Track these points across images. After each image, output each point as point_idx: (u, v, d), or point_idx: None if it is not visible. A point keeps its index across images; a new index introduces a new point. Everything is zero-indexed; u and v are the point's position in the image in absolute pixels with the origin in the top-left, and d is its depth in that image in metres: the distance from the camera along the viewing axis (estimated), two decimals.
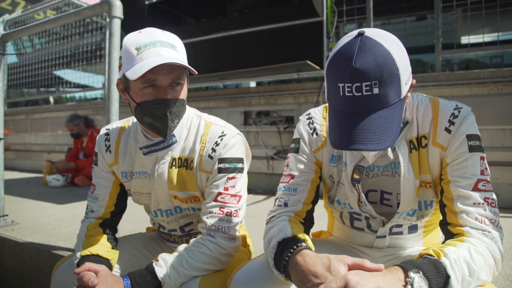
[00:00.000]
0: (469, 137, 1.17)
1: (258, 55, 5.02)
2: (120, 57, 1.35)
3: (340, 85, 1.03)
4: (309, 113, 1.45)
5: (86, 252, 1.35)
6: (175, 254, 1.31)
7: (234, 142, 1.44)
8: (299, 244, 1.11)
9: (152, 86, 1.30)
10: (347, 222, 1.51)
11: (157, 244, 1.72)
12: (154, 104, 1.30)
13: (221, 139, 1.42)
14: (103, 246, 1.40)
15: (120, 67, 1.36)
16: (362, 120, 1.03)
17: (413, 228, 1.41)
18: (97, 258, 1.34)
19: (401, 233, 1.42)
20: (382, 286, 0.90)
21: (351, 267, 0.98)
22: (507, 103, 3.78)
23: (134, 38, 1.33)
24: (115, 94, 2.17)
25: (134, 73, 1.24)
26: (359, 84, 1.01)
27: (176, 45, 1.33)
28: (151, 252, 1.67)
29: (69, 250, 2.44)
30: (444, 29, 4.46)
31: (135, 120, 1.55)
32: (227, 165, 1.41)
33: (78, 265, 1.32)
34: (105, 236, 1.47)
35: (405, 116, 1.24)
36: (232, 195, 1.40)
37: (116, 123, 1.60)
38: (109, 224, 1.55)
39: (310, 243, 1.16)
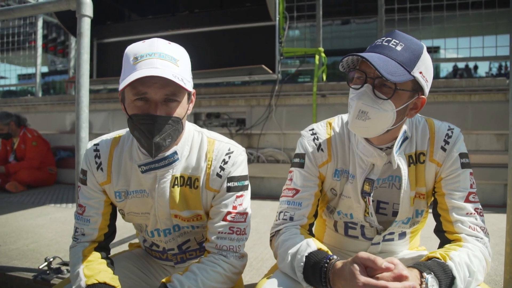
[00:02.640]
0: (461, 155, 1.36)
1: (208, 57, 4.97)
2: (122, 66, 1.28)
3: (378, 39, 1.27)
4: (313, 129, 1.49)
5: (93, 280, 1.24)
6: (188, 274, 1.27)
7: (242, 160, 1.43)
8: (331, 257, 1.16)
9: (144, 99, 1.23)
10: (341, 230, 1.59)
11: (147, 262, 1.64)
12: (141, 119, 1.23)
13: (229, 157, 1.39)
14: (107, 273, 1.30)
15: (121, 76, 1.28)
16: (380, 53, 1.21)
17: (402, 235, 1.54)
18: (104, 286, 1.25)
19: (392, 239, 1.53)
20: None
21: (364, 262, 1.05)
22: (443, 110, 4.21)
23: (136, 47, 1.26)
24: (85, 100, 2.01)
25: (123, 83, 1.18)
26: (390, 38, 1.23)
27: (178, 58, 1.26)
28: (142, 271, 1.59)
29: (31, 270, 2.23)
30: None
31: (128, 134, 1.47)
32: (236, 184, 1.39)
33: None
34: (104, 261, 1.37)
35: (401, 129, 1.35)
36: (240, 213, 1.39)
37: (104, 137, 1.49)
38: (104, 247, 1.45)
39: (330, 252, 1.22)
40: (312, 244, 1.22)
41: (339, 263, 1.11)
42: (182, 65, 1.28)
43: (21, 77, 8.04)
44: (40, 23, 6.72)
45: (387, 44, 1.22)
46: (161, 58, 1.23)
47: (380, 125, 1.25)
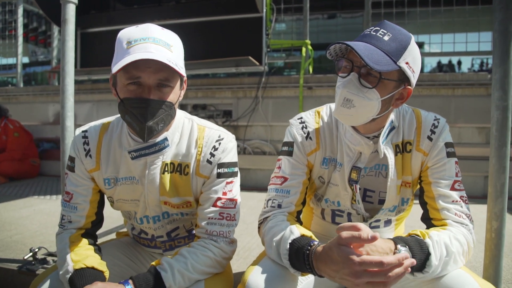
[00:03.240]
0: (447, 144, 1.39)
1: (195, 48, 4.92)
2: (115, 50, 1.27)
3: (366, 29, 1.29)
4: (301, 117, 1.51)
5: (81, 265, 1.23)
6: (179, 257, 1.27)
7: (232, 147, 1.43)
8: (313, 243, 1.17)
9: (137, 83, 1.23)
10: (328, 218, 1.62)
11: (135, 250, 1.64)
12: (134, 103, 1.23)
13: (219, 144, 1.40)
14: (95, 258, 1.30)
15: (113, 60, 1.27)
16: (367, 42, 1.23)
17: (388, 222, 1.58)
18: (92, 271, 1.24)
19: (378, 227, 1.57)
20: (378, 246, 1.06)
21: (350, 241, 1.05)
22: (426, 103, 4.30)
23: (129, 32, 1.25)
24: (70, 88, 1.98)
25: (116, 67, 1.17)
26: (378, 28, 1.26)
27: (171, 44, 1.26)
28: (130, 258, 1.59)
29: (16, 261, 2.20)
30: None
31: (117, 120, 1.46)
32: (226, 170, 1.40)
33: (72, 280, 1.21)
34: (91, 247, 1.36)
35: (388, 118, 1.38)
36: (230, 199, 1.40)
37: (93, 124, 1.47)
38: (91, 234, 1.45)
39: (314, 237, 1.24)
40: (295, 231, 1.24)
41: (319, 249, 1.12)
42: (176, 50, 1.28)
43: (1, 67, 7.81)
44: (20, 11, 6.55)
45: (375, 33, 1.24)
46: (155, 43, 1.22)
47: (365, 114, 1.27)
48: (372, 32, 1.25)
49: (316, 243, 1.17)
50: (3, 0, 6.79)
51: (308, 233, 1.25)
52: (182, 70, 1.26)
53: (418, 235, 1.19)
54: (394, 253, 1.07)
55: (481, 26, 4.91)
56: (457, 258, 1.20)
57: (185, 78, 1.35)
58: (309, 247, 1.16)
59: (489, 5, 4.91)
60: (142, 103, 1.22)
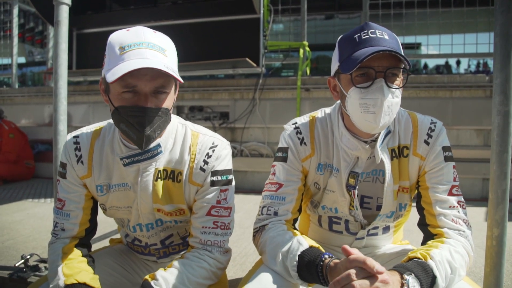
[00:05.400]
0: (444, 148, 1.36)
1: (192, 49, 4.89)
2: (105, 55, 1.22)
3: (356, 35, 1.24)
4: (296, 122, 1.47)
5: (72, 280, 1.19)
6: (173, 271, 1.23)
7: (226, 154, 1.40)
8: (324, 257, 1.14)
9: (132, 91, 1.19)
10: (325, 225, 1.58)
11: (129, 258, 1.60)
12: (131, 111, 1.19)
13: (213, 151, 1.36)
14: (88, 273, 1.25)
15: (103, 65, 1.23)
16: (380, 45, 1.20)
17: (386, 229, 1.54)
18: (84, 287, 1.20)
19: (376, 234, 1.54)
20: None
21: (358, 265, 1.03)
22: (425, 106, 4.27)
23: (120, 36, 1.21)
24: (63, 92, 1.93)
25: (112, 75, 1.12)
26: (373, 30, 1.23)
27: (165, 48, 1.22)
28: (124, 267, 1.55)
29: (7, 268, 2.15)
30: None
31: (109, 126, 1.42)
32: (220, 178, 1.36)
33: None
34: (84, 259, 1.32)
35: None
36: (225, 208, 1.36)
37: (84, 129, 1.43)
38: (85, 244, 1.41)
39: (322, 248, 1.21)
40: (303, 242, 1.21)
41: (332, 264, 1.09)
42: (170, 54, 1.24)
43: None
44: (15, 11, 6.50)
45: (374, 36, 1.22)
46: (150, 48, 1.18)
47: (394, 115, 1.26)
48: (371, 35, 1.22)
49: (327, 256, 1.14)
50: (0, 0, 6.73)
51: (315, 244, 1.23)
52: (178, 75, 1.22)
53: (419, 258, 1.14)
54: (402, 284, 1.02)
55: (479, 27, 4.89)
56: (461, 272, 1.17)
57: (181, 82, 1.31)
58: (321, 262, 1.13)
59: (487, 7, 4.90)
60: (139, 111, 1.18)
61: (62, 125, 1.98)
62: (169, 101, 1.26)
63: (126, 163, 1.32)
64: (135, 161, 1.32)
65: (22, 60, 12.86)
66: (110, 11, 5.34)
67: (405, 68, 1.23)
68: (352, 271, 0.99)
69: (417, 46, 6.95)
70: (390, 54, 1.18)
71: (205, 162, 1.35)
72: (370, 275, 0.99)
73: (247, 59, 4.34)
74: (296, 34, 6.35)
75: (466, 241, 1.25)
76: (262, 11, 4.55)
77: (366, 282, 0.97)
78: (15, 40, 6.46)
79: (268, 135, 4.91)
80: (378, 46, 1.19)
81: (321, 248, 1.21)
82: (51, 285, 1.22)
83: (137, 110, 1.18)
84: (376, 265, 0.98)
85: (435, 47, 5.14)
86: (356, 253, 1.03)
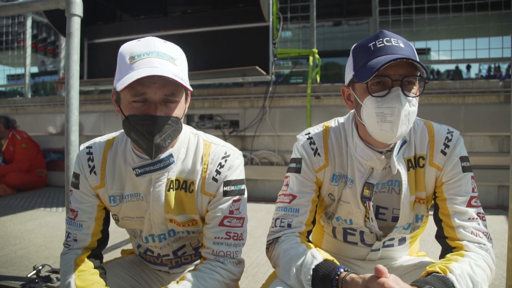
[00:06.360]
0: (462, 158, 1.32)
1: (201, 58, 4.92)
2: (116, 66, 1.23)
3: (371, 44, 1.22)
4: (309, 133, 1.45)
5: None
6: (186, 283, 1.22)
7: (238, 164, 1.38)
8: (339, 271, 1.12)
9: (142, 100, 1.19)
10: (339, 236, 1.55)
11: (140, 269, 1.59)
12: (141, 120, 1.19)
13: (225, 161, 1.35)
14: (99, 285, 1.25)
15: (115, 76, 1.23)
16: (396, 53, 1.18)
17: (402, 240, 1.51)
18: None
19: (392, 245, 1.50)
20: None
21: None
22: (437, 112, 4.21)
23: (131, 46, 1.21)
24: (75, 102, 1.95)
25: (121, 84, 1.13)
26: (388, 38, 1.21)
27: (175, 57, 1.23)
28: (136, 279, 1.54)
29: (19, 278, 2.16)
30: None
31: (121, 136, 1.41)
32: (232, 188, 1.35)
33: None
34: (96, 271, 1.32)
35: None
36: (237, 218, 1.34)
37: (97, 140, 1.44)
38: (97, 255, 1.40)
39: (337, 261, 1.19)
40: (318, 256, 1.18)
41: (348, 279, 1.07)
42: (180, 63, 1.24)
43: (10, 77, 7.90)
44: (29, 23, 6.63)
45: (390, 44, 1.20)
46: (159, 57, 1.19)
47: (411, 124, 1.24)
48: (386, 43, 1.20)
49: (343, 270, 1.11)
50: (14, 13, 6.87)
51: (330, 257, 1.20)
52: (187, 83, 1.22)
53: (438, 272, 1.10)
54: None
55: (491, 31, 4.83)
56: (483, 286, 1.12)
57: (190, 91, 1.31)
58: (337, 276, 1.10)
59: (499, 11, 4.84)
60: (149, 120, 1.18)
61: (74, 136, 1.99)
62: (179, 110, 1.25)
63: (139, 173, 1.31)
64: (147, 171, 1.31)
65: (34, 69, 13.10)
66: (120, 21, 5.42)
67: (422, 76, 1.20)
68: None
69: (427, 51, 6.89)
70: (407, 62, 1.16)
71: (218, 172, 1.34)
72: None
73: (257, 67, 4.34)
74: (305, 41, 6.34)
75: (487, 255, 1.20)
76: (271, 19, 4.55)
77: None
78: (28, 51, 6.58)
79: (279, 143, 4.88)
80: (394, 54, 1.17)
81: (335, 261, 1.18)
82: None
83: (146, 119, 1.18)
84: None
85: (446, 52, 5.09)
86: (387, 277, 0.98)
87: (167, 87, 1.18)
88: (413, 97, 1.20)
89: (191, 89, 1.22)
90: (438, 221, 1.33)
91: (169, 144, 1.26)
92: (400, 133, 1.19)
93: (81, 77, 4.47)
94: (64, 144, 1.99)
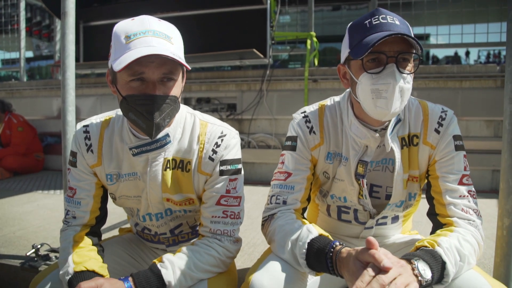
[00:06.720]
0: (455, 137, 1.34)
1: (199, 41, 4.87)
2: (110, 46, 1.22)
3: (366, 21, 1.23)
4: (305, 111, 1.46)
5: (81, 267, 1.21)
6: (181, 255, 1.24)
7: (235, 143, 1.39)
8: (335, 244, 1.13)
9: (140, 79, 1.19)
10: (334, 215, 1.58)
11: (137, 247, 1.61)
12: (140, 100, 1.19)
13: (222, 140, 1.36)
14: (97, 261, 1.27)
15: (109, 56, 1.23)
16: (391, 30, 1.18)
17: (395, 218, 1.54)
18: (93, 275, 1.21)
19: (385, 223, 1.53)
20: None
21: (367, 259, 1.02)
22: (433, 96, 4.22)
23: (126, 25, 1.21)
24: (71, 83, 1.95)
25: (119, 64, 1.12)
26: (384, 15, 1.21)
27: (171, 36, 1.22)
28: (133, 257, 1.56)
29: (18, 257, 2.18)
30: None
31: (118, 115, 1.42)
32: (229, 167, 1.36)
33: (71, 282, 1.19)
34: (94, 248, 1.34)
35: None
36: (234, 197, 1.36)
37: (93, 119, 1.44)
38: (96, 232, 1.42)
39: (331, 237, 1.21)
40: (313, 230, 1.20)
41: (344, 252, 1.08)
42: (176, 42, 1.24)
43: (4, 61, 7.81)
44: (22, 5, 6.51)
45: (385, 21, 1.20)
46: (156, 36, 1.18)
47: (405, 102, 1.25)
48: (382, 20, 1.21)
49: (338, 243, 1.14)
50: None
51: (325, 232, 1.22)
52: (184, 61, 1.22)
53: (427, 246, 1.13)
54: (413, 269, 1.01)
55: (490, 16, 4.80)
56: (470, 260, 1.15)
57: (188, 69, 1.31)
58: (332, 249, 1.12)
59: None
60: (148, 99, 1.18)
61: (71, 116, 1.99)
62: (177, 89, 1.25)
63: (135, 153, 1.32)
64: (144, 151, 1.32)
65: (29, 54, 12.95)
66: (116, 3, 5.32)
67: (417, 54, 1.21)
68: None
69: (426, 37, 6.86)
70: (402, 39, 1.17)
71: (214, 152, 1.35)
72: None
73: (254, 50, 4.31)
74: (303, 25, 6.29)
75: (475, 230, 1.23)
76: (269, 2, 4.50)
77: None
78: (23, 34, 6.49)
79: (276, 127, 4.89)
80: (389, 31, 1.17)
81: (330, 237, 1.20)
82: (61, 272, 1.24)
83: (145, 98, 1.18)
84: (383, 259, 0.96)
85: (444, 37, 5.08)
86: (378, 249, 1.01)
87: (164, 66, 1.18)
88: (407, 74, 1.20)
89: (189, 67, 1.22)
90: (430, 198, 1.36)
91: (168, 123, 1.26)
92: (394, 109, 1.21)
93: (77, 60, 4.42)
94: (61, 125, 1.99)
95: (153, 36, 1.18)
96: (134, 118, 1.22)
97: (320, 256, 1.13)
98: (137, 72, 1.17)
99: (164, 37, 1.20)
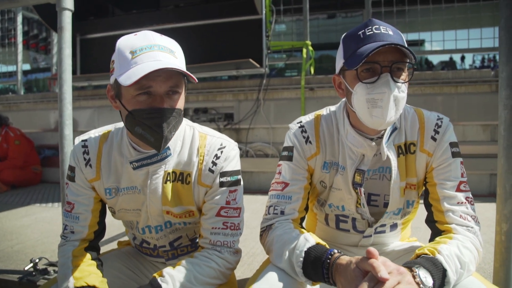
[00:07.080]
0: (451, 144, 1.35)
1: (195, 52, 4.89)
2: (112, 61, 1.22)
3: (360, 32, 1.23)
4: (301, 121, 1.47)
5: (82, 283, 1.21)
6: (181, 268, 1.24)
7: (234, 155, 1.40)
8: (332, 252, 1.13)
9: (146, 93, 1.19)
10: (332, 224, 1.58)
11: (136, 261, 1.60)
12: (148, 114, 1.19)
13: (221, 152, 1.37)
14: (97, 276, 1.27)
15: (111, 71, 1.23)
16: (384, 40, 1.20)
17: (393, 226, 1.54)
18: None
19: (384, 231, 1.53)
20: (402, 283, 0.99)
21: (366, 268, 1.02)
22: (429, 102, 4.25)
23: (129, 40, 1.21)
24: (68, 97, 1.96)
25: (128, 79, 1.12)
26: (377, 26, 1.23)
27: (174, 50, 1.24)
28: (132, 270, 1.55)
29: (16, 272, 2.17)
30: None
31: (116, 129, 1.42)
32: (228, 179, 1.36)
33: None
34: (93, 263, 1.33)
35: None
36: (234, 208, 1.36)
37: (92, 133, 1.44)
38: (94, 247, 1.42)
39: (328, 246, 1.20)
40: (310, 239, 1.20)
41: (343, 260, 1.08)
42: (179, 56, 1.26)
43: (1, 75, 7.83)
44: (19, 19, 6.56)
45: (379, 32, 1.21)
46: (161, 50, 1.20)
47: (401, 111, 1.26)
48: (375, 31, 1.22)
49: (335, 252, 1.13)
50: (4, 8, 6.79)
51: (322, 241, 1.22)
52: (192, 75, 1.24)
53: (427, 254, 1.13)
54: (414, 276, 1.01)
55: (483, 22, 4.86)
56: (470, 267, 1.15)
57: (195, 81, 1.32)
58: (329, 256, 1.12)
59: (491, 1, 4.86)
60: (156, 113, 1.19)
61: (68, 130, 2.00)
62: (181, 102, 1.27)
63: (136, 167, 1.32)
64: (144, 164, 1.33)
65: (27, 67, 12.98)
66: (112, 16, 5.37)
67: (411, 63, 1.23)
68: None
69: (420, 43, 6.92)
70: (395, 49, 1.18)
71: (214, 164, 1.35)
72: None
73: (251, 60, 4.34)
74: (298, 34, 6.34)
75: (474, 237, 1.23)
76: (264, 12, 4.54)
77: None
78: (20, 47, 6.52)
79: (273, 135, 4.90)
80: (382, 41, 1.19)
81: (327, 246, 1.20)
82: (60, 287, 1.23)
83: (154, 112, 1.19)
84: (381, 271, 0.96)
85: (438, 43, 5.13)
86: (378, 258, 1.01)
87: (171, 80, 1.20)
88: (402, 83, 1.22)
89: (196, 80, 1.23)
90: (428, 205, 1.36)
91: (173, 135, 1.27)
92: (390, 118, 1.22)
93: (74, 72, 4.44)
94: (58, 139, 2.00)
95: (159, 51, 1.19)
96: (141, 132, 1.22)
97: (316, 265, 1.13)
98: (145, 86, 1.17)
99: (168, 52, 1.21)
